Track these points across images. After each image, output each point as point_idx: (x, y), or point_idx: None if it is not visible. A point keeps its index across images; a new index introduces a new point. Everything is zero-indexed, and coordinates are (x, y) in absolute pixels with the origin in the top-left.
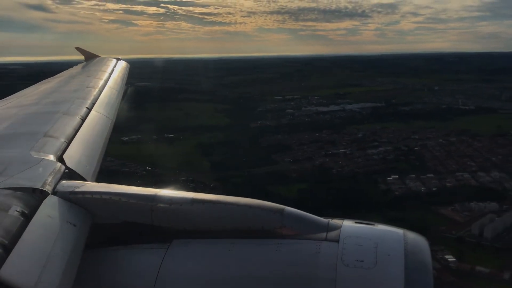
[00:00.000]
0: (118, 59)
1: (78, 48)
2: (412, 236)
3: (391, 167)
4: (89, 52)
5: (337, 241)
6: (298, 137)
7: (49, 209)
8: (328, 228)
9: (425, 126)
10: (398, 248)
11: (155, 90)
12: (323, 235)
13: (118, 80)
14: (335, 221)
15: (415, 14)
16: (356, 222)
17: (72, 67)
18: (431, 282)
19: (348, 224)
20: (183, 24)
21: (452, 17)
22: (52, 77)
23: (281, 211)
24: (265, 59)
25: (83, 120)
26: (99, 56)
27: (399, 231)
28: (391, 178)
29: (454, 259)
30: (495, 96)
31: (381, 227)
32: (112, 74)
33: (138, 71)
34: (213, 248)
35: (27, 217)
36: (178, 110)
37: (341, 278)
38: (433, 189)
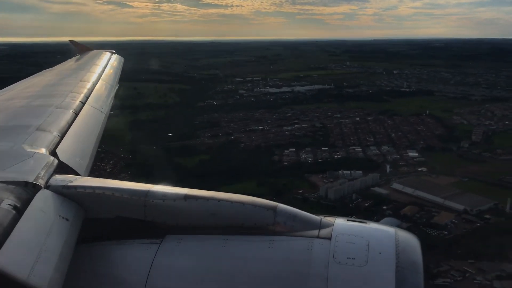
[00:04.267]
0: (112, 53)
1: (71, 41)
2: (403, 234)
3: (295, 142)
4: (82, 45)
5: (330, 238)
6: (232, 116)
7: (42, 203)
8: (321, 225)
9: (356, 106)
10: (390, 247)
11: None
12: (316, 232)
13: (112, 74)
14: (328, 219)
15: None
16: (348, 220)
17: (64, 49)
18: (421, 281)
19: (340, 221)
20: (179, 6)
21: (451, 3)
22: (45, 70)
23: (274, 208)
24: (257, 42)
25: (76, 114)
26: (92, 50)
27: (391, 229)
28: (288, 151)
29: None
30: (445, 80)
31: (373, 225)
32: (106, 68)
33: (122, 54)
34: (206, 244)
35: (19, 211)
36: (132, 90)
37: (333, 275)
38: (319, 160)
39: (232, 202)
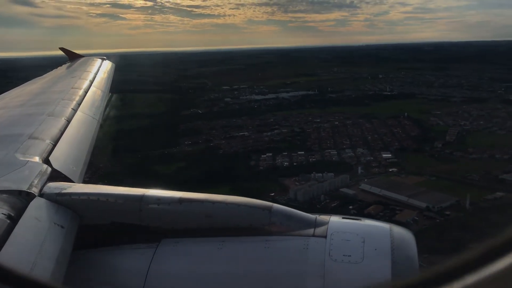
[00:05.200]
0: (103, 59)
1: (62, 49)
2: (398, 230)
3: (273, 147)
4: (73, 52)
5: (325, 236)
6: (215, 123)
7: (36, 211)
8: (316, 224)
9: (338, 111)
10: (385, 243)
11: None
12: (311, 231)
13: (104, 81)
14: (323, 217)
15: (403, 4)
16: (343, 218)
17: (56, 62)
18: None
19: (335, 219)
20: (172, 17)
21: (441, 7)
22: (37, 78)
23: (269, 209)
24: (250, 50)
25: (68, 121)
26: (83, 56)
27: (386, 225)
28: (264, 156)
29: None
30: (429, 83)
31: (367, 222)
32: (97, 74)
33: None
34: (202, 246)
35: (13, 220)
36: (118, 101)
37: (329, 273)
38: (294, 163)
39: (227, 203)
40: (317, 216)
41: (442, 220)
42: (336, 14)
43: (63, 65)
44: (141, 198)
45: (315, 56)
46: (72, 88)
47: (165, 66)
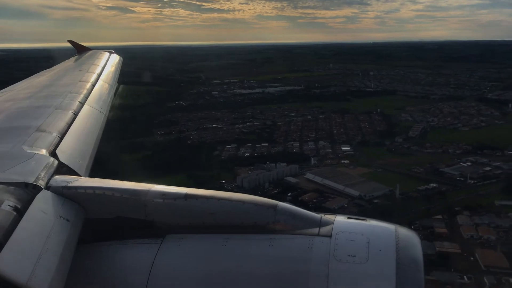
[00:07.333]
0: (111, 53)
1: (70, 41)
2: (403, 231)
3: (241, 138)
4: (81, 45)
5: (330, 236)
6: (194, 115)
7: (42, 204)
8: (321, 223)
9: (316, 106)
10: (390, 244)
11: None
12: (316, 230)
13: (111, 74)
14: (328, 217)
15: (414, 2)
16: (348, 218)
17: (65, 54)
18: (422, 277)
19: (340, 219)
20: (181, 11)
21: (452, 5)
22: (44, 71)
23: (274, 207)
24: (256, 46)
25: (76, 114)
26: (91, 49)
27: (391, 226)
28: (229, 146)
29: None
30: (417, 80)
31: (373, 223)
32: (105, 68)
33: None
34: (206, 243)
35: (20, 212)
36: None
37: (334, 273)
38: (255, 154)
39: (232, 201)
40: (322, 215)
41: (369, 208)
42: (346, 11)
43: (71, 58)
44: (147, 193)
45: (317, 52)
46: (80, 81)
47: (167, 60)
